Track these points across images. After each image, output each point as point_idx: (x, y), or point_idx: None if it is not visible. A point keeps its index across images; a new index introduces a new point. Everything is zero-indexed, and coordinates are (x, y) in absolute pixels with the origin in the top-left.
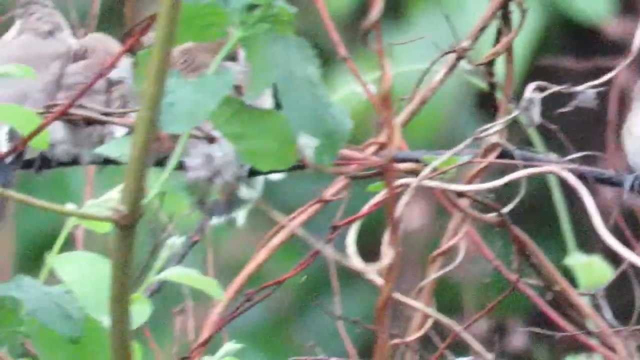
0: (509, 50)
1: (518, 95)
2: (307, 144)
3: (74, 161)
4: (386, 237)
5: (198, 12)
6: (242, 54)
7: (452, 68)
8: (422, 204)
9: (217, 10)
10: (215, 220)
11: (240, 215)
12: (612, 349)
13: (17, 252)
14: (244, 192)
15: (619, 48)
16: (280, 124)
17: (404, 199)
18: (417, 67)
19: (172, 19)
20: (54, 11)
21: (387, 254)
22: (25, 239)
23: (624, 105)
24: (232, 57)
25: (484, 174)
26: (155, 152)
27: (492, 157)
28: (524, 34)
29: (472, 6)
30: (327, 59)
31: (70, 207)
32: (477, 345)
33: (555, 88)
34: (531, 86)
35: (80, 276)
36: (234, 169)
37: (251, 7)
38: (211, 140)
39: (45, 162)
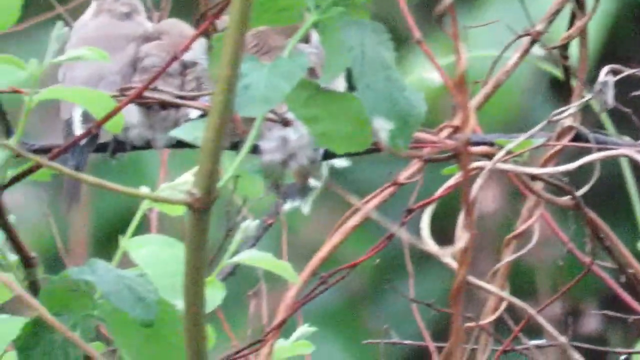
0: (582, 33)
1: (592, 79)
2: (382, 127)
3: (148, 144)
4: (460, 220)
5: None
6: (314, 36)
7: (526, 52)
8: (496, 187)
9: None
10: (290, 205)
11: (308, 202)
12: None
13: (92, 235)
14: (318, 176)
15: None
16: (355, 106)
17: (478, 182)
18: (491, 51)
19: (247, 3)
20: None
21: (462, 237)
22: (100, 222)
23: None
24: (305, 40)
25: (558, 157)
26: (230, 135)
27: (566, 140)
28: (598, 17)
29: None
30: (401, 42)
31: (144, 190)
32: (550, 328)
33: (629, 71)
34: (605, 69)
35: (154, 259)
36: (308, 152)
37: None
38: (286, 123)
39: (119, 145)
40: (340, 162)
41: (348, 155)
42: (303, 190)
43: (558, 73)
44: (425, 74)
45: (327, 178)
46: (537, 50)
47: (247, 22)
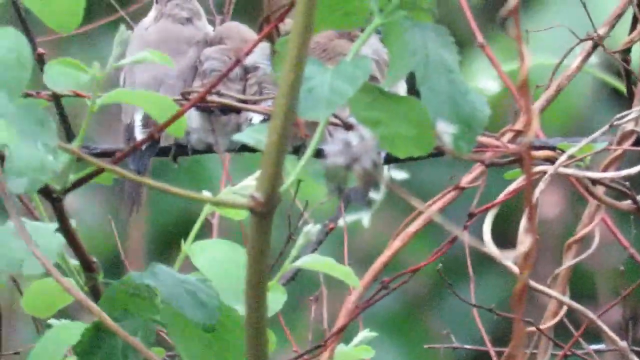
0: None
1: None
2: (445, 130)
3: (210, 149)
4: (522, 224)
5: None
6: (374, 42)
7: (588, 56)
8: (557, 191)
9: None
10: (353, 217)
11: (368, 215)
12: None
13: (152, 239)
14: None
15: None
16: (418, 110)
17: (540, 186)
18: (552, 55)
19: (311, 6)
20: None
21: (524, 241)
22: (160, 226)
23: None
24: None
25: (619, 161)
26: (293, 139)
27: (627, 145)
28: None
29: None
30: (464, 45)
31: (206, 194)
32: (611, 333)
33: None
34: None
35: (216, 264)
36: (372, 155)
37: None
38: (349, 127)
39: (180, 149)
40: (399, 174)
41: (411, 159)
42: (366, 195)
43: (612, 81)
44: (483, 82)
45: (388, 185)
46: (594, 59)
47: (311, 26)
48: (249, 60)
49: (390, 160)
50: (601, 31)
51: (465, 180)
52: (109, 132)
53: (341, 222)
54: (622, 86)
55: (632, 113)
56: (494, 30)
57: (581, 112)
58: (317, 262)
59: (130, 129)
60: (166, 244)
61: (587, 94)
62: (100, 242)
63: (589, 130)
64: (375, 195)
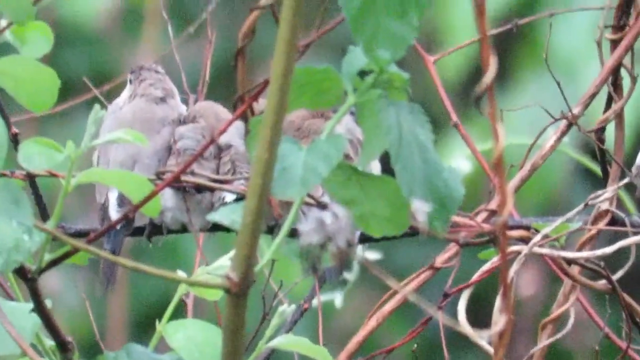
0: (619, 116)
1: (628, 162)
2: (420, 209)
3: (184, 228)
4: (497, 304)
5: (311, 78)
6: (347, 120)
7: (563, 135)
8: (532, 271)
9: (330, 76)
10: (327, 297)
11: (340, 296)
12: None
13: (133, 319)
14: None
15: None
16: (393, 189)
17: (515, 266)
18: (527, 134)
19: (285, 85)
20: (165, 77)
21: (499, 320)
22: (138, 306)
23: None
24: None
25: (595, 240)
26: (267, 218)
27: (602, 224)
28: (634, 100)
29: (580, 71)
30: (438, 123)
31: (180, 274)
32: None
33: None
34: None
35: (191, 344)
36: (346, 234)
37: (364, 73)
38: (323, 206)
39: (155, 229)
40: (372, 255)
41: (386, 238)
42: (341, 274)
43: (586, 161)
44: (457, 161)
45: (363, 264)
46: (569, 138)
47: (285, 105)
48: (223, 139)
49: (364, 239)
50: (575, 110)
51: (439, 260)
52: (85, 209)
53: (316, 302)
54: (596, 167)
55: (607, 192)
56: (469, 109)
57: (556, 190)
58: (292, 342)
59: (104, 208)
60: (146, 324)
61: (562, 172)
62: (80, 322)
63: (563, 208)
64: (349, 275)
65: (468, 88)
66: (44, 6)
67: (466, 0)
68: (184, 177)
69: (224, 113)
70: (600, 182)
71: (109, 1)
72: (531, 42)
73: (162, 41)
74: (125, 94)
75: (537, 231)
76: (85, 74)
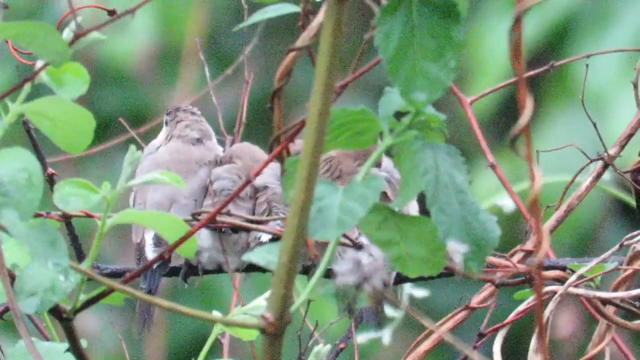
0: None
1: None
2: (456, 250)
3: (220, 268)
4: (533, 344)
5: (347, 119)
6: (385, 161)
7: (599, 176)
8: (568, 311)
9: (367, 117)
10: (366, 337)
11: (388, 332)
12: None
13: (166, 358)
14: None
15: None
16: (429, 230)
17: (551, 307)
18: (563, 175)
19: (322, 126)
20: (201, 118)
21: None
22: (174, 346)
23: None
24: (377, 164)
25: (630, 281)
26: (303, 259)
27: (638, 264)
28: None
29: (611, 107)
30: (471, 158)
31: (216, 314)
32: None
33: None
34: None
35: None
36: (382, 274)
37: (401, 114)
38: (359, 246)
39: (191, 269)
40: (420, 292)
41: (421, 278)
42: (377, 314)
43: (627, 198)
44: (501, 200)
45: (407, 306)
46: (605, 175)
47: (321, 146)
48: (259, 181)
49: (401, 280)
50: (612, 151)
51: (475, 300)
52: (120, 249)
53: (361, 339)
54: (632, 201)
55: None
56: (502, 144)
57: (590, 230)
58: None
59: (140, 248)
60: None
61: (597, 212)
62: None
63: (598, 248)
64: (396, 313)
65: (495, 119)
66: (82, 47)
67: (495, 33)
68: (220, 218)
69: (260, 154)
70: (636, 222)
71: (145, 42)
72: (561, 77)
73: (198, 82)
74: (162, 135)
75: (573, 271)
76: (122, 114)
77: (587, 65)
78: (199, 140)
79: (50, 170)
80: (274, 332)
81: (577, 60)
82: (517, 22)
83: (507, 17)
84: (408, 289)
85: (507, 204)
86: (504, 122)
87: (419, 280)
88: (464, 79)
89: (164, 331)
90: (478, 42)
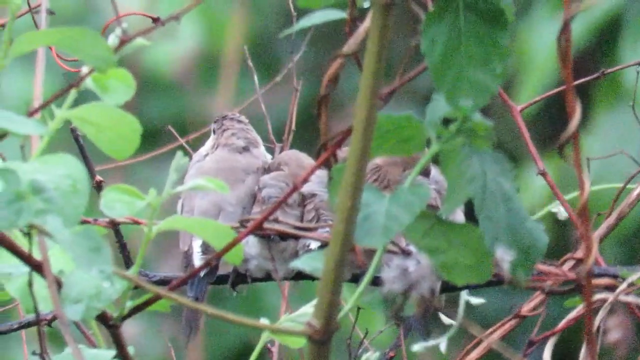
0: None
1: None
2: (504, 258)
3: (268, 276)
4: (583, 352)
5: (393, 126)
6: (433, 170)
7: None
8: (619, 319)
9: (413, 124)
10: (420, 346)
11: (444, 340)
12: None
13: None
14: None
15: None
16: (476, 238)
17: (601, 314)
18: (613, 182)
19: (368, 133)
20: (248, 127)
21: None
22: (217, 354)
23: None
24: (425, 173)
25: None
26: (350, 266)
27: None
28: None
29: None
30: (518, 167)
31: (264, 321)
32: None
33: None
34: None
35: None
36: (429, 282)
37: (448, 121)
38: (406, 253)
39: (239, 277)
40: (476, 300)
41: (468, 287)
42: (426, 322)
43: None
44: (556, 207)
45: (463, 313)
46: None
47: (368, 153)
48: (306, 188)
49: (449, 287)
50: None
51: (525, 308)
52: (170, 259)
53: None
54: None
55: None
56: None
57: None
58: None
59: (188, 255)
60: None
61: None
62: None
63: None
64: (452, 320)
65: (538, 122)
66: (127, 53)
67: (540, 35)
68: (267, 225)
69: (308, 161)
70: None
71: (189, 49)
72: (610, 82)
73: (242, 88)
74: (209, 143)
75: (623, 279)
76: (166, 120)
77: (638, 73)
78: (245, 149)
79: (98, 177)
80: (321, 339)
81: (622, 54)
82: (565, 28)
83: (552, 19)
84: (465, 296)
85: (561, 211)
86: (547, 124)
87: (465, 289)
88: (509, 81)
89: (207, 339)
90: (523, 44)
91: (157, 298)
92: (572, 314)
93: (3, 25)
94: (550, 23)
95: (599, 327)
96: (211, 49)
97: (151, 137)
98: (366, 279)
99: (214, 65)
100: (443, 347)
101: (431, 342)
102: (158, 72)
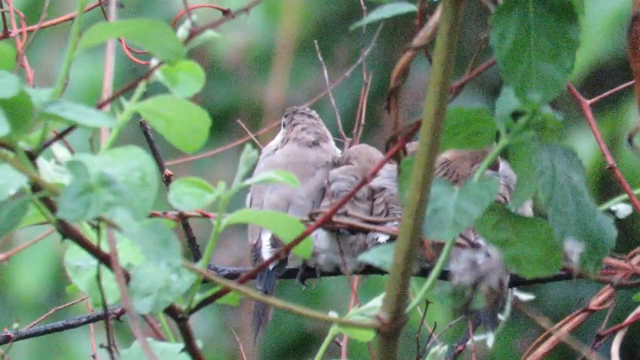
0: None
1: None
2: (573, 252)
3: (337, 270)
4: None
5: (463, 119)
6: (502, 165)
7: None
8: None
9: (483, 117)
10: (482, 337)
11: (492, 337)
12: None
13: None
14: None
15: None
16: (545, 231)
17: None
18: None
19: (437, 126)
20: (318, 121)
21: None
22: (272, 345)
23: None
24: (494, 167)
25: None
26: (419, 260)
27: None
28: None
29: None
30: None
31: (332, 314)
32: None
33: None
34: None
35: None
36: (498, 274)
37: (517, 114)
38: (476, 246)
39: (308, 271)
40: (524, 296)
41: (537, 280)
42: (495, 315)
43: None
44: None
45: (517, 305)
46: None
47: (437, 146)
48: (376, 182)
49: (516, 282)
50: None
51: (594, 302)
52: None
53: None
54: None
55: None
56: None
57: None
58: None
59: (257, 249)
60: None
61: None
62: None
63: None
64: (501, 316)
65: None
66: (196, 46)
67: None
68: (336, 219)
69: (377, 155)
70: None
71: (253, 41)
72: None
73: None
74: (279, 137)
75: None
76: (232, 112)
77: None
78: (315, 143)
79: (167, 171)
80: (389, 332)
81: None
82: (636, 20)
83: None
84: (513, 292)
85: (621, 209)
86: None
87: (535, 282)
88: None
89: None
90: None
91: (225, 291)
92: None
93: (72, 19)
94: None
95: None
96: (277, 42)
97: (217, 129)
98: (435, 272)
99: (267, 55)
100: (490, 342)
101: (479, 337)
102: (223, 63)
